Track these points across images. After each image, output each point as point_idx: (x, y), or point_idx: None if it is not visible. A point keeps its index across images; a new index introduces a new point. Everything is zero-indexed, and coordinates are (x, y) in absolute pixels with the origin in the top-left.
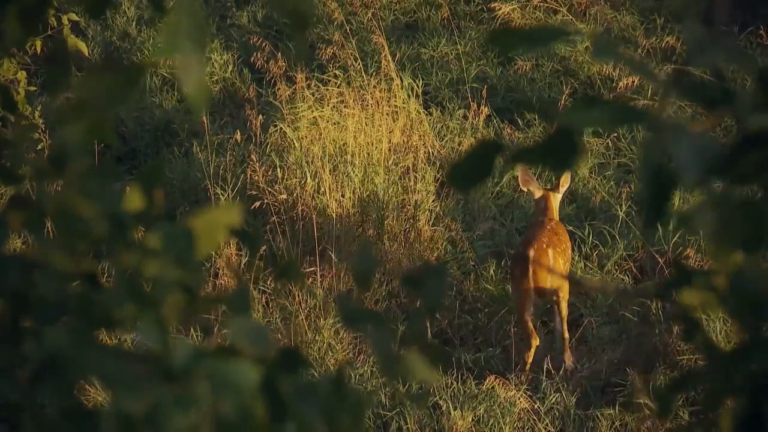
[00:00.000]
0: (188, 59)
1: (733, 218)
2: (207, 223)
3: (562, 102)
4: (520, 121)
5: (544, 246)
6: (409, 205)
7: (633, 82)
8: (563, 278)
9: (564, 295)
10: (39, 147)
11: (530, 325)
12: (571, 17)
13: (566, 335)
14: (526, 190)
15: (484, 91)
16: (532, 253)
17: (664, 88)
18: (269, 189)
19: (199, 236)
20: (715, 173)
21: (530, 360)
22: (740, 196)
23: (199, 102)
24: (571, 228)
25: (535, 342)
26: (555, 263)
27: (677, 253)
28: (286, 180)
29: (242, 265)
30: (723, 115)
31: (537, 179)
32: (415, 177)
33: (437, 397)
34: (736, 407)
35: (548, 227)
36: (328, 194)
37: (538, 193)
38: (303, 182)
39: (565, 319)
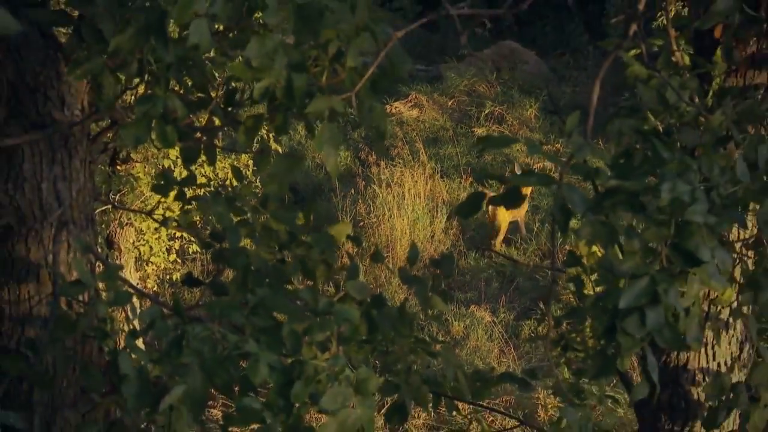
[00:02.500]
0: (330, 153)
1: (598, 230)
2: (338, 231)
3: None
4: (494, 184)
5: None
6: (435, 224)
7: (554, 166)
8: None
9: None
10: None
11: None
12: (522, 140)
13: (522, 227)
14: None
15: (468, 170)
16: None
17: (562, 166)
18: (367, 216)
19: (335, 234)
20: (589, 209)
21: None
22: (602, 221)
23: (334, 173)
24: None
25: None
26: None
27: (571, 245)
28: (376, 211)
29: (354, 252)
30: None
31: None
32: (437, 211)
33: (445, 316)
34: (600, 323)
35: None
36: (395, 219)
37: None
38: (384, 213)
39: (524, 224)
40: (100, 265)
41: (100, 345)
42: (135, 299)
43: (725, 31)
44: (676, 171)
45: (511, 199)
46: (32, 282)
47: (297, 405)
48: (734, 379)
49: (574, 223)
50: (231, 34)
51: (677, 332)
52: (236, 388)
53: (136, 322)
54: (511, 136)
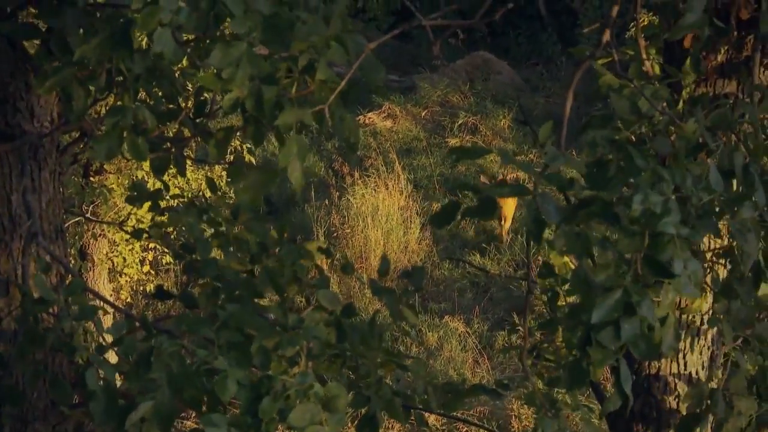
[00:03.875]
0: (295, 167)
1: (572, 241)
2: (309, 248)
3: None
4: (467, 194)
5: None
6: (408, 235)
7: (528, 176)
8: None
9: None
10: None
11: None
12: (495, 150)
13: (505, 229)
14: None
15: (442, 181)
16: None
17: (536, 176)
18: (341, 227)
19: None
20: (563, 220)
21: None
22: (576, 231)
23: (298, 186)
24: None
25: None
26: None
27: (545, 256)
28: (350, 222)
29: (327, 264)
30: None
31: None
32: (410, 222)
33: (419, 327)
34: (575, 335)
35: None
36: (369, 230)
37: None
38: (358, 224)
39: (509, 221)
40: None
41: (70, 358)
42: (107, 311)
43: (694, 42)
44: (649, 181)
45: (486, 210)
46: (1, 295)
47: (265, 421)
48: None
49: (547, 234)
50: (201, 45)
51: (652, 343)
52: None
53: (106, 336)
54: (484, 147)
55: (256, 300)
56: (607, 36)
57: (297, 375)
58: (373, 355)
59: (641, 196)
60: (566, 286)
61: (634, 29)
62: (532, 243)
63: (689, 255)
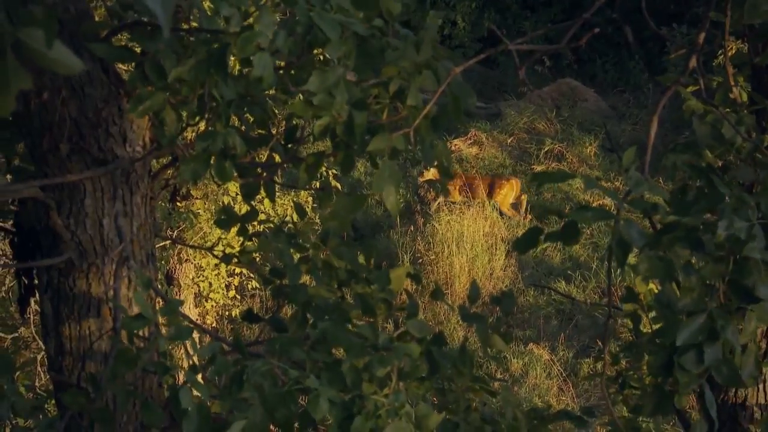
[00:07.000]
0: (390, 191)
1: (656, 266)
2: (397, 275)
3: None
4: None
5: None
6: (493, 262)
7: (613, 203)
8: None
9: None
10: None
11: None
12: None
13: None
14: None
15: (529, 208)
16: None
17: (619, 202)
18: (426, 253)
19: (395, 279)
20: (647, 245)
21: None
22: (659, 256)
23: (394, 211)
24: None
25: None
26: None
27: (630, 282)
28: (435, 248)
29: (414, 289)
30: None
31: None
32: (495, 248)
33: (504, 354)
34: (658, 359)
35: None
36: (454, 256)
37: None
38: (443, 250)
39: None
40: (160, 301)
41: (161, 380)
42: (195, 335)
43: None
44: (733, 207)
45: (569, 235)
46: (93, 317)
47: None
48: None
49: (631, 259)
50: (292, 71)
51: (735, 368)
52: (296, 425)
53: (195, 358)
54: (567, 171)
55: (345, 323)
56: (693, 63)
57: (389, 394)
58: (463, 381)
59: (726, 221)
60: (652, 313)
61: (722, 56)
62: (614, 268)
63: None
